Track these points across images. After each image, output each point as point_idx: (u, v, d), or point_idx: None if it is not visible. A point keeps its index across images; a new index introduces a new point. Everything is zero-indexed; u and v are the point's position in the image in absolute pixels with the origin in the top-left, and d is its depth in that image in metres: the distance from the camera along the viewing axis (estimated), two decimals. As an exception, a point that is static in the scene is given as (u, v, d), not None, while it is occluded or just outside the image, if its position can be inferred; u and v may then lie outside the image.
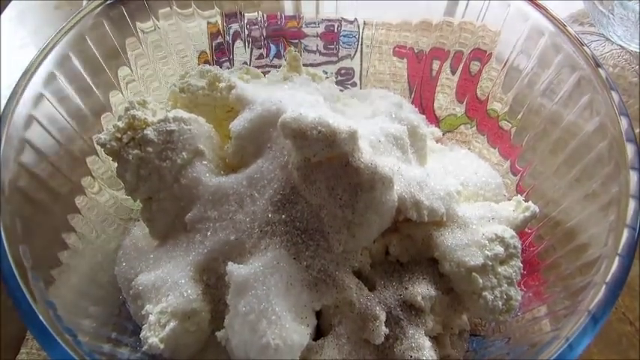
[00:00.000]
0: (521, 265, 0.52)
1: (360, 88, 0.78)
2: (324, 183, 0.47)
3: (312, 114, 0.46)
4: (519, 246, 0.52)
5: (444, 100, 0.73)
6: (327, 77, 0.68)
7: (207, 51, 0.73)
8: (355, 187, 0.47)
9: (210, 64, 0.64)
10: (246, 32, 0.74)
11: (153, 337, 0.47)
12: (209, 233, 0.51)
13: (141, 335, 0.47)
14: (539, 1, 0.59)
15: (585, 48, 0.54)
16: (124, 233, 0.59)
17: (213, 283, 0.51)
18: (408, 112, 0.63)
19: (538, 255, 0.56)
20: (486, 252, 0.50)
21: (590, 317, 0.38)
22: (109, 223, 0.59)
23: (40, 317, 0.37)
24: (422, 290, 0.51)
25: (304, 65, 0.65)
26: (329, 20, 0.76)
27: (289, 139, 0.47)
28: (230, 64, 0.74)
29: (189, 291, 0.49)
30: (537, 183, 0.60)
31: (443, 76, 0.72)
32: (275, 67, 0.74)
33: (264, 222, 0.49)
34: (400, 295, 0.50)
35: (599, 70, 0.52)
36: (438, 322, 0.52)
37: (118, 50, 0.61)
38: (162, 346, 0.46)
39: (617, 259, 0.40)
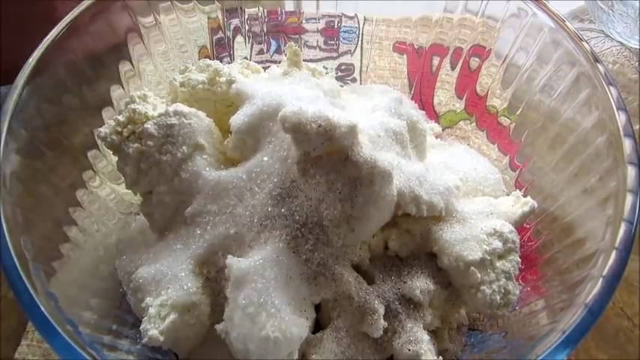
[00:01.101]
0: (520, 259, 0.52)
1: (360, 84, 0.78)
2: (323, 177, 0.48)
3: (312, 108, 0.46)
4: (518, 241, 0.52)
5: (444, 96, 0.73)
6: (327, 73, 0.68)
7: (208, 46, 0.73)
8: (355, 181, 0.47)
9: (210, 59, 0.64)
10: (247, 27, 0.74)
11: (153, 330, 0.47)
12: (209, 227, 0.51)
13: (141, 328, 0.47)
14: (541, -2, 0.59)
15: (584, 44, 0.54)
16: (124, 227, 0.59)
17: (213, 276, 0.51)
18: (408, 108, 0.63)
19: (536, 250, 0.56)
20: (485, 246, 0.51)
21: (587, 310, 0.38)
22: (110, 216, 0.59)
23: (42, 308, 0.38)
24: (420, 284, 0.51)
25: (304, 61, 0.65)
26: (329, 16, 0.76)
27: (289, 133, 0.47)
28: (230, 59, 0.74)
29: (189, 284, 0.50)
30: (536, 178, 0.60)
31: (442, 72, 0.72)
32: (275, 62, 0.74)
33: (264, 216, 0.49)
34: (399, 289, 0.51)
35: (598, 65, 0.52)
36: (436, 316, 0.52)
37: (119, 44, 0.61)
38: (162, 338, 0.47)
39: (614, 252, 0.41)
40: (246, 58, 0.74)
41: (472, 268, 0.50)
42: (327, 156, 0.47)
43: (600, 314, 0.38)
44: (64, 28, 0.54)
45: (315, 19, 0.76)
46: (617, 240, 0.41)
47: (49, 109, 0.52)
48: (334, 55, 0.78)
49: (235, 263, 0.47)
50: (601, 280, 0.40)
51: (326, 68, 0.76)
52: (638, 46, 0.88)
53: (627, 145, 0.46)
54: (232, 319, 0.46)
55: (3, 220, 0.41)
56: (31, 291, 0.38)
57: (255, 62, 0.68)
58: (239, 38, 0.74)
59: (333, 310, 0.50)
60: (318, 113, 0.46)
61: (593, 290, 0.39)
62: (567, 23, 0.56)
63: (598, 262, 0.42)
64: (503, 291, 0.50)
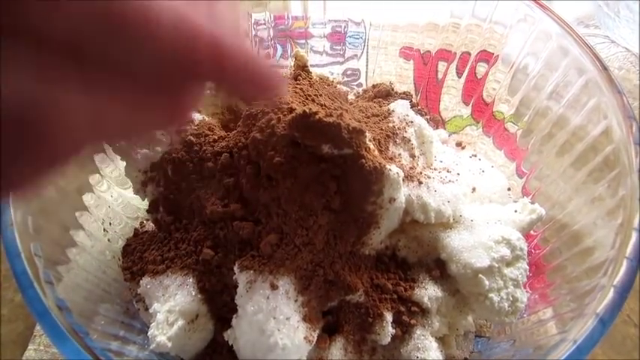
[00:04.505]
0: (527, 267, 0.52)
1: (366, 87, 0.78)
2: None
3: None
4: (525, 248, 0.52)
5: (450, 102, 0.73)
6: (334, 79, 0.68)
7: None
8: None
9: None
10: (253, 32, 0.74)
11: (161, 336, 0.47)
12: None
13: (148, 334, 0.47)
14: (546, 3, 0.59)
15: (592, 51, 0.54)
16: (131, 232, 0.59)
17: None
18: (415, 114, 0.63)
19: (544, 257, 0.56)
20: (492, 254, 0.51)
21: (598, 320, 0.38)
22: (117, 221, 0.59)
23: (53, 315, 0.38)
24: (428, 291, 0.51)
25: (310, 66, 0.65)
26: (336, 21, 0.76)
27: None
28: (237, 63, 0.74)
29: (196, 290, 0.50)
30: (543, 185, 0.60)
31: (449, 78, 0.72)
32: (281, 67, 0.74)
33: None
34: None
35: (607, 72, 0.52)
36: (443, 323, 0.52)
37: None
38: (169, 344, 0.47)
39: (625, 262, 0.40)
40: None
41: (480, 275, 0.50)
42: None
43: (611, 324, 0.38)
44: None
45: (321, 24, 0.76)
46: (628, 249, 0.41)
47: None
48: (340, 60, 0.78)
49: (244, 269, 0.47)
50: (612, 289, 0.39)
51: (332, 73, 0.76)
52: (643, 52, 0.88)
53: (637, 152, 0.46)
54: (240, 325, 0.46)
55: (15, 226, 0.40)
56: (42, 297, 0.38)
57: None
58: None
59: (342, 317, 0.50)
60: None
61: (603, 300, 0.39)
62: (575, 29, 0.56)
63: (608, 271, 0.42)
64: (511, 298, 0.50)
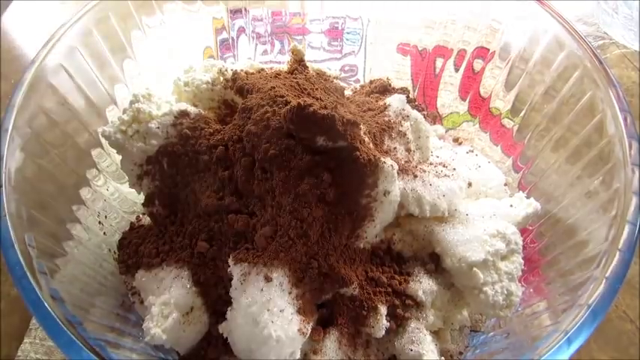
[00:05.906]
0: (522, 261, 0.52)
1: (363, 83, 0.78)
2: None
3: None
4: (520, 242, 0.52)
5: (447, 98, 0.73)
6: (331, 74, 0.68)
7: (212, 46, 0.73)
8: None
9: (214, 59, 0.65)
10: (251, 28, 0.75)
11: (155, 328, 0.47)
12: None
13: (143, 326, 0.48)
14: (545, 1, 0.59)
15: (588, 46, 0.54)
16: (127, 226, 0.59)
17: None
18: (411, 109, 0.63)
19: (539, 251, 0.56)
20: (487, 247, 0.51)
21: (590, 311, 0.38)
22: (114, 215, 0.59)
23: (47, 306, 0.38)
24: (423, 285, 0.51)
25: (308, 62, 0.66)
26: (333, 17, 0.76)
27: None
28: (235, 59, 0.75)
29: (191, 283, 0.50)
30: (539, 180, 0.60)
31: (446, 74, 0.72)
32: (279, 63, 0.74)
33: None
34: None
35: (602, 67, 0.52)
36: (438, 316, 0.52)
37: (124, 44, 0.61)
38: (164, 336, 0.47)
39: (617, 254, 0.41)
40: (249, 58, 0.75)
41: (475, 269, 0.50)
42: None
43: (603, 315, 0.38)
44: (69, 28, 0.54)
45: (319, 20, 0.76)
46: (621, 241, 0.41)
47: (53, 108, 0.52)
48: (338, 56, 0.79)
49: (238, 263, 0.47)
50: (604, 281, 0.39)
51: (330, 69, 0.76)
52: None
53: (631, 146, 0.46)
54: (235, 318, 0.46)
55: (7, 216, 0.41)
56: (36, 288, 0.38)
57: (259, 63, 0.68)
58: (243, 39, 0.75)
59: (336, 309, 0.50)
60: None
61: (595, 291, 0.39)
62: (571, 25, 0.56)
63: (601, 264, 0.42)
64: (506, 292, 0.50)
